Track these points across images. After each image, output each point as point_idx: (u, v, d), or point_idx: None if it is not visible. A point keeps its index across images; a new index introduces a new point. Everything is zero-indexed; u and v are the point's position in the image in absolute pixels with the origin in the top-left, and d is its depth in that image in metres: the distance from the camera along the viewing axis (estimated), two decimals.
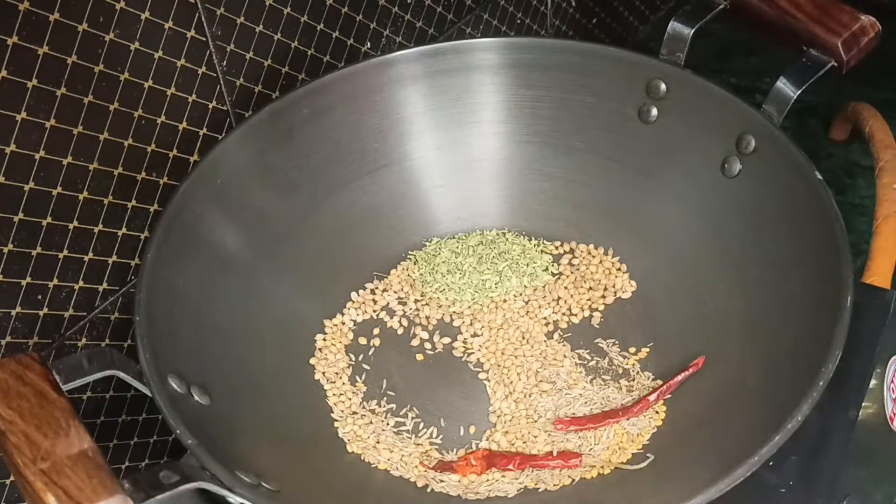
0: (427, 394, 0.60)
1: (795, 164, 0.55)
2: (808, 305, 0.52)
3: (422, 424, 0.59)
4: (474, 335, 0.64)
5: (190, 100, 0.58)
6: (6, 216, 0.51)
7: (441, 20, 0.75)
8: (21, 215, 0.51)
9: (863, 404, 0.53)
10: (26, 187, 0.51)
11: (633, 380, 0.60)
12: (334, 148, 0.65)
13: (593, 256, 0.67)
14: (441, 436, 0.58)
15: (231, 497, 0.44)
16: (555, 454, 0.55)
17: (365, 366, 0.62)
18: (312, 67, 0.66)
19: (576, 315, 0.64)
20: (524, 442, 0.57)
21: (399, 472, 0.56)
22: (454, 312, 0.65)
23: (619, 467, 0.54)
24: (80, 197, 0.54)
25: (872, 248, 0.61)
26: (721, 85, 0.60)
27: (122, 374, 0.49)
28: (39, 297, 0.54)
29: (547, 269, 0.67)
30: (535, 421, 0.58)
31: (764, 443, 0.43)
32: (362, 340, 0.64)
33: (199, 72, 0.58)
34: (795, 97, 0.57)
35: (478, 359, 0.62)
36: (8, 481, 0.56)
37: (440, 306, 0.65)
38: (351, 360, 0.62)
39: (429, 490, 0.55)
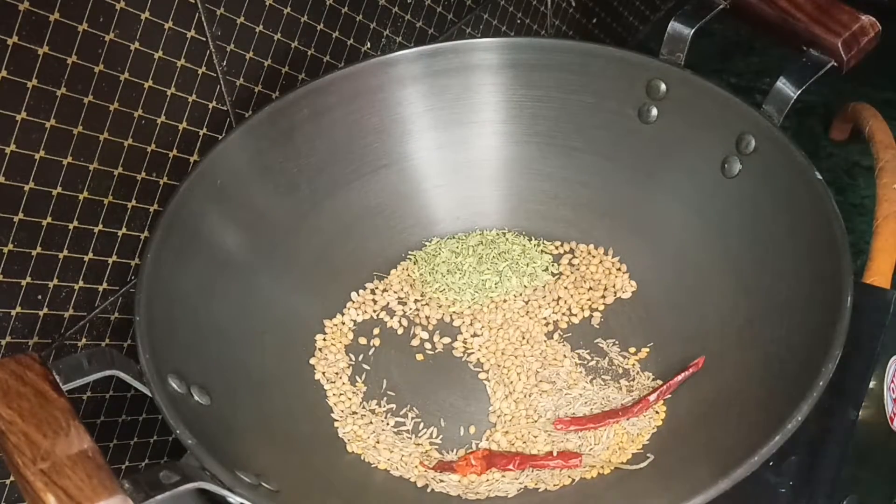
0: (427, 394, 0.60)
1: (795, 164, 0.55)
2: (808, 305, 0.52)
3: (422, 424, 0.59)
4: (474, 335, 0.64)
5: (190, 100, 0.58)
6: (6, 216, 0.51)
7: (441, 20, 0.75)
8: (21, 215, 0.51)
9: (863, 404, 0.53)
10: (26, 187, 0.51)
11: (633, 380, 0.60)
12: (334, 148, 0.65)
13: (593, 256, 0.67)
14: (441, 436, 0.58)
15: (231, 497, 0.44)
16: (555, 454, 0.55)
17: (365, 366, 0.62)
18: (312, 67, 0.66)
19: (576, 315, 0.64)
20: (524, 442, 0.57)
21: (399, 472, 0.56)
22: (454, 312, 0.65)
23: (619, 467, 0.54)
24: (80, 197, 0.54)
25: (872, 248, 0.61)
26: (721, 85, 0.60)
27: (122, 374, 0.49)
28: (39, 297, 0.54)
29: (547, 269, 0.67)
30: (535, 421, 0.58)
31: (764, 443, 0.43)
32: (362, 340, 0.64)
33: (199, 72, 0.58)
34: (795, 97, 0.57)
35: (478, 359, 0.62)
36: (8, 481, 0.56)
37: (440, 306, 0.65)
38: (351, 360, 0.62)
39: (429, 490, 0.55)
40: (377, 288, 0.66)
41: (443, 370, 0.62)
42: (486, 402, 0.60)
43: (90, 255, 0.56)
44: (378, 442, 0.58)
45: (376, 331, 0.64)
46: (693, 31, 0.61)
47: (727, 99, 0.59)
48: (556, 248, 0.68)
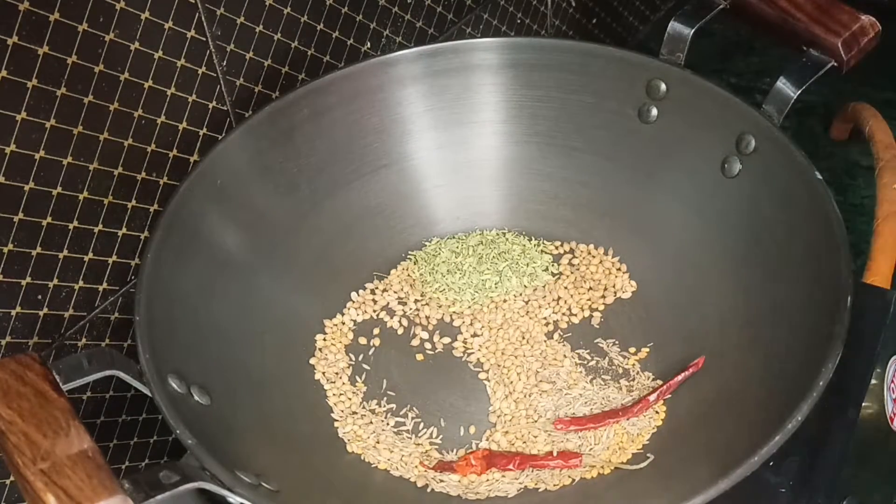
0: (427, 394, 0.60)
1: (795, 164, 0.55)
2: (808, 305, 0.52)
3: (422, 424, 0.59)
4: (474, 335, 0.64)
5: (190, 100, 0.58)
6: (6, 216, 0.51)
7: (441, 20, 0.75)
8: (21, 215, 0.51)
9: (863, 404, 0.53)
10: (26, 187, 0.51)
11: (633, 380, 0.60)
12: (334, 148, 0.65)
13: (593, 256, 0.67)
14: (441, 436, 0.58)
15: (231, 497, 0.44)
16: (555, 454, 0.55)
17: (365, 366, 0.62)
18: (312, 67, 0.66)
19: (576, 315, 0.64)
20: (524, 442, 0.57)
21: (399, 472, 0.56)
22: (454, 312, 0.65)
23: (619, 467, 0.54)
24: (80, 197, 0.54)
25: (872, 248, 0.61)
26: (721, 85, 0.60)
27: (122, 374, 0.49)
28: (39, 297, 0.54)
29: (547, 269, 0.67)
30: (535, 421, 0.58)
31: (764, 443, 0.43)
32: (362, 340, 0.64)
33: (199, 72, 0.58)
34: (795, 97, 0.57)
35: (478, 359, 0.62)
36: (8, 481, 0.56)
37: (440, 306, 0.65)
38: (351, 360, 0.62)
39: (429, 490, 0.55)
40: (377, 288, 0.66)
41: (443, 370, 0.62)
42: (486, 402, 0.60)
43: (90, 255, 0.56)
44: (378, 442, 0.58)
45: (376, 331, 0.64)
46: (693, 31, 0.61)
47: (727, 99, 0.59)
48: (556, 248, 0.68)
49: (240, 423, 0.53)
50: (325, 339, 0.63)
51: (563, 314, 0.64)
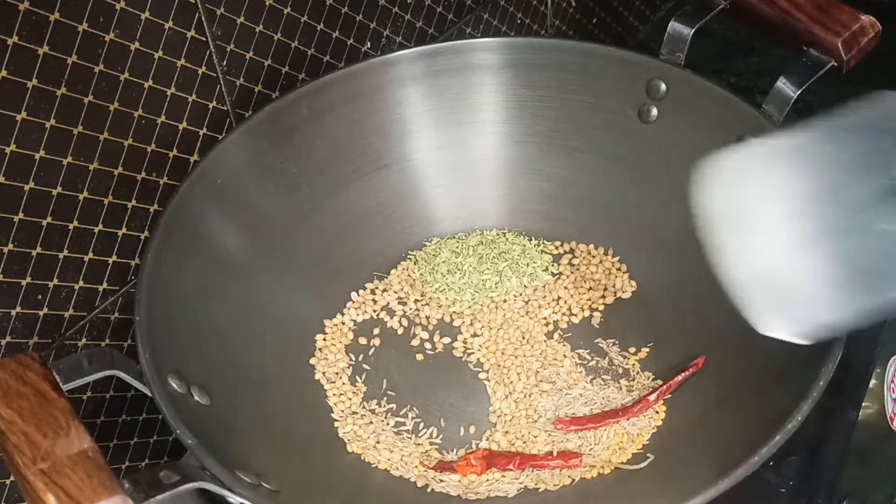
0: (427, 394, 0.60)
1: None
2: None
3: (422, 424, 0.59)
4: (474, 335, 0.64)
5: (190, 100, 0.58)
6: (6, 216, 0.51)
7: (441, 20, 0.75)
8: (21, 215, 0.51)
9: (863, 404, 0.53)
10: (26, 187, 0.51)
11: (633, 380, 0.60)
12: (334, 148, 0.65)
13: (593, 256, 0.67)
14: (441, 436, 0.58)
15: (231, 497, 0.44)
16: (555, 454, 0.55)
17: (365, 366, 0.62)
18: (312, 67, 0.66)
19: (576, 315, 0.64)
20: (524, 442, 0.57)
21: (399, 472, 0.56)
22: (454, 312, 0.65)
23: (619, 467, 0.54)
24: (80, 197, 0.54)
25: None
26: (721, 85, 0.60)
27: (122, 374, 0.49)
28: (39, 297, 0.54)
29: (547, 269, 0.67)
30: (535, 421, 0.58)
31: (764, 443, 0.43)
32: (362, 340, 0.64)
33: (199, 72, 0.58)
34: (795, 97, 0.57)
35: (478, 359, 0.62)
36: (8, 481, 0.56)
37: (440, 306, 0.65)
38: (351, 360, 0.62)
39: (429, 490, 0.55)
40: (377, 288, 0.66)
41: (443, 370, 0.62)
42: (486, 402, 0.60)
43: (90, 255, 0.56)
44: (378, 442, 0.58)
45: (376, 331, 0.64)
46: (693, 31, 0.61)
47: (727, 99, 0.59)
48: (556, 248, 0.68)
49: (240, 423, 0.53)
50: (325, 339, 0.63)
51: (563, 314, 0.64)
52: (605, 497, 0.53)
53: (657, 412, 0.57)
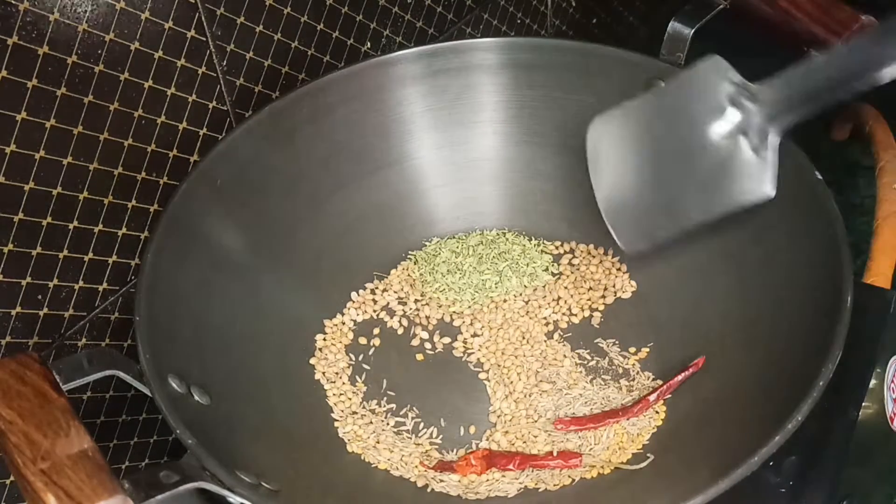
0: (427, 394, 0.60)
1: (795, 164, 0.55)
2: (808, 305, 0.52)
3: (422, 424, 0.59)
4: (474, 335, 0.64)
5: (190, 100, 0.58)
6: (6, 216, 0.51)
7: (441, 20, 0.75)
8: (21, 215, 0.51)
9: (863, 404, 0.53)
10: (26, 187, 0.51)
11: (633, 380, 0.60)
12: (334, 148, 0.65)
13: (593, 256, 0.67)
14: (441, 436, 0.58)
15: (231, 497, 0.44)
16: (555, 454, 0.55)
17: (365, 366, 0.62)
18: (312, 67, 0.66)
19: (576, 315, 0.64)
20: (524, 442, 0.57)
21: (399, 472, 0.56)
22: (454, 312, 0.65)
23: (619, 467, 0.54)
24: (80, 197, 0.54)
25: (872, 248, 0.61)
26: None
27: (122, 374, 0.49)
28: (39, 297, 0.54)
29: (547, 269, 0.67)
30: (535, 421, 0.58)
31: (764, 443, 0.43)
32: (362, 340, 0.64)
33: (199, 72, 0.58)
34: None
35: (478, 359, 0.62)
36: (8, 481, 0.56)
37: (440, 306, 0.65)
38: (351, 360, 0.62)
39: (429, 490, 0.55)
40: (377, 288, 0.66)
41: (443, 370, 0.62)
42: (486, 402, 0.60)
43: (90, 255, 0.56)
44: (378, 442, 0.58)
45: (376, 331, 0.64)
46: (693, 31, 0.61)
47: None
48: (556, 248, 0.68)
49: (240, 423, 0.53)
50: (325, 339, 0.63)
51: (563, 314, 0.64)
52: (605, 497, 0.53)
53: (657, 412, 0.57)
